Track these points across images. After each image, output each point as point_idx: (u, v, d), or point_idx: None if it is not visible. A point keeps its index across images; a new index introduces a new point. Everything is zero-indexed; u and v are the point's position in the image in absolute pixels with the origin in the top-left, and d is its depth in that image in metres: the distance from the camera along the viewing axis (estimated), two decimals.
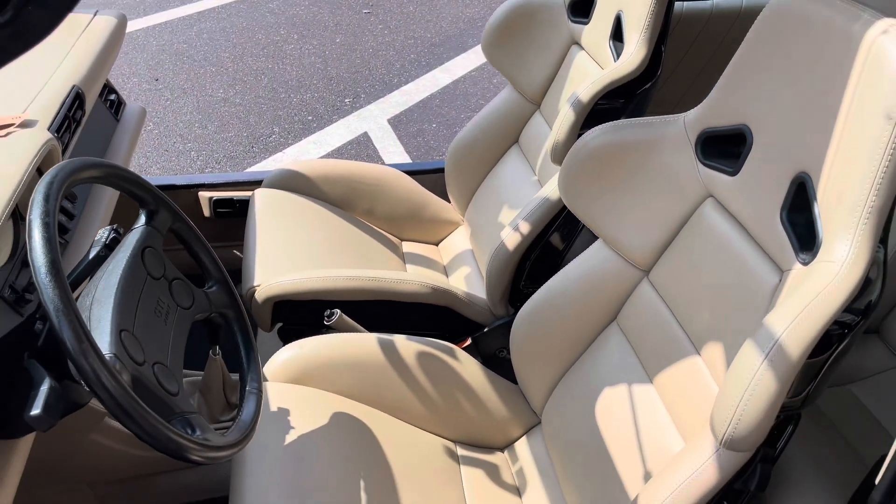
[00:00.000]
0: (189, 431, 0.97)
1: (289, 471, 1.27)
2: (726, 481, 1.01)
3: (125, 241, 1.11)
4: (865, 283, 0.91)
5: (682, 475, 1.03)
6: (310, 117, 3.73)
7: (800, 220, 1.01)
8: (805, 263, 0.97)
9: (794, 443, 1.32)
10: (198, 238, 1.25)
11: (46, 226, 0.88)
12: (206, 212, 2.11)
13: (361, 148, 3.52)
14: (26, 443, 1.11)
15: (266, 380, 1.43)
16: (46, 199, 0.91)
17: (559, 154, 1.58)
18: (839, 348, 0.94)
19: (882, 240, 0.93)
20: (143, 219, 1.16)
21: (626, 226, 1.31)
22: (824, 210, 0.96)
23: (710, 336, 1.15)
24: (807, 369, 0.94)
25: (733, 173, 1.14)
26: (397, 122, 3.73)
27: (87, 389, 0.92)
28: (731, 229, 1.15)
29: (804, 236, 0.99)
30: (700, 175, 1.20)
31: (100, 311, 0.97)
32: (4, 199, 1.10)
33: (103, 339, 0.93)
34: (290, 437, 1.33)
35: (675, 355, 1.21)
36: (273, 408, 1.36)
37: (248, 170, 3.29)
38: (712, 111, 1.19)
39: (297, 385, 1.44)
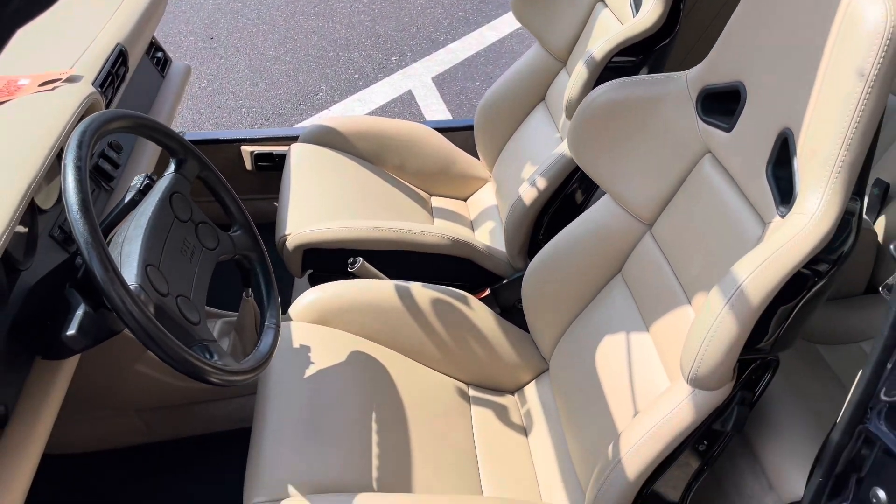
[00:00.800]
0: (207, 356, 1.04)
1: (307, 403, 1.33)
2: (701, 421, 1.04)
3: (156, 186, 1.18)
4: (838, 234, 0.92)
5: (661, 414, 1.07)
6: (356, 75, 3.75)
7: (782, 175, 1.02)
8: (783, 216, 0.98)
9: (787, 391, 1.35)
10: (224, 186, 1.31)
11: (78, 169, 0.95)
12: (248, 165, 2.17)
13: (405, 106, 3.53)
14: (70, 365, 1.19)
15: (291, 319, 1.49)
16: (80, 145, 0.98)
17: (572, 110, 1.58)
18: (808, 295, 0.95)
19: (857, 193, 0.94)
20: (172, 167, 1.22)
21: (630, 180, 1.32)
22: (802, 165, 0.97)
23: (699, 286, 1.17)
24: (778, 315, 0.97)
25: (728, 129, 1.15)
26: (441, 81, 3.73)
27: (115, 315, 0.98)
28: (725, 184, 1.16)
29: (784, 190, 1.01)
30: (700, 131, 1.21)
31: (129, 247, 1.03)
32: (49, 147, 1.16)
33: (130, 271, 0.99)
34: (310, 373, 1.39)
35: (669, 304, 1.24)
36: (296, 345, 1.42)
37: (295, 126, 3.33)
38: (711, 68, 1.19)
39: (319, 325, 1.49)
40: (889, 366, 0.90)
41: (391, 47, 4.04)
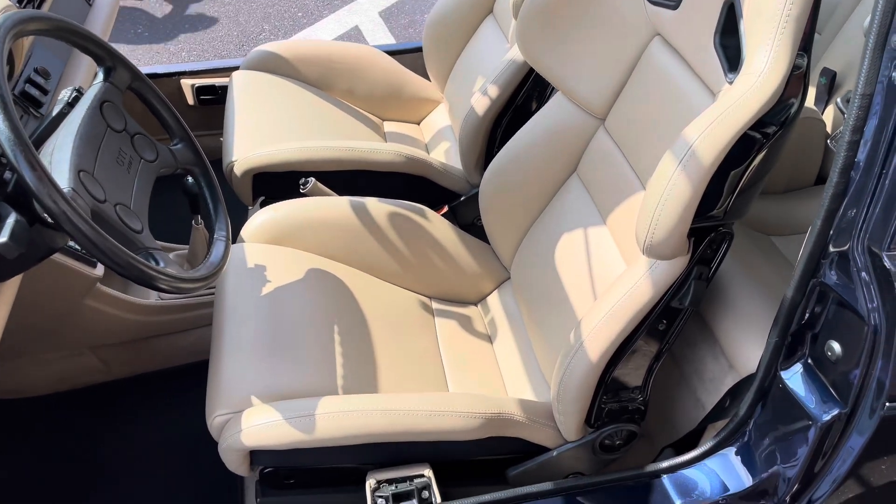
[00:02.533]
0: (153, 263, 1.01)
1: (264, 319, 1.32)
2: (659, 297, 1.06)
3: (84, 96, 1.14)
4: (785, 96, 0.92)
5: (620, 293, 1.08)
6: (300, 13, 3.67)
7: (730, 43, 1.02)
8: (731, 83, 0.98)
9: (744, 277, 1.38)
10: (158, 96, 1.26)
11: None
12: (190, 100, 2.13)
13: (353, 40, 3.46)
14: (9, 292, 1.13)
15: (241, 239, 1.48)
16: None
17: (518, 8, 1.54)
18: (757, 157, 0.96)
19: (804, 49, 0.93)
20: (100, 76, 1.17)
21: (580, 72, 1.31)
22: (748, 27, 0.97)
23: (650, 165, 1.15)
24: (729, 180, 0.97)
25: (675, 6, 1.13)
26: (388, 15, 3.66)
27: (49, 222, 0.96)
28: (675, 64, 1.16)
29: (732, 58, 1.01)
30: (647, 13, 1.20)
31: (59, 154, 1.00)
32: None
33: (62, 176, 0.96)
34: (266, 291, 1.38)
35: (624, 194, 1.25)
36: (250, 265, 1.40)
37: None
38: None
39: (273, 245, 1.48)
40: (834, 220, 0.93)
41: None
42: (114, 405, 1.68)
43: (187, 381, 1.69)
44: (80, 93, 1.17)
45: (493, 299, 1.58)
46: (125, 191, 1.09)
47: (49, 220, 0.94)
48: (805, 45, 0.93)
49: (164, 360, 1.72)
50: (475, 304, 1.61)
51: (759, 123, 0.93)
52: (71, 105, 1.15)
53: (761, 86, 0.91)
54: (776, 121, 0.94)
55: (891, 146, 0.84)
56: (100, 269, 1.53)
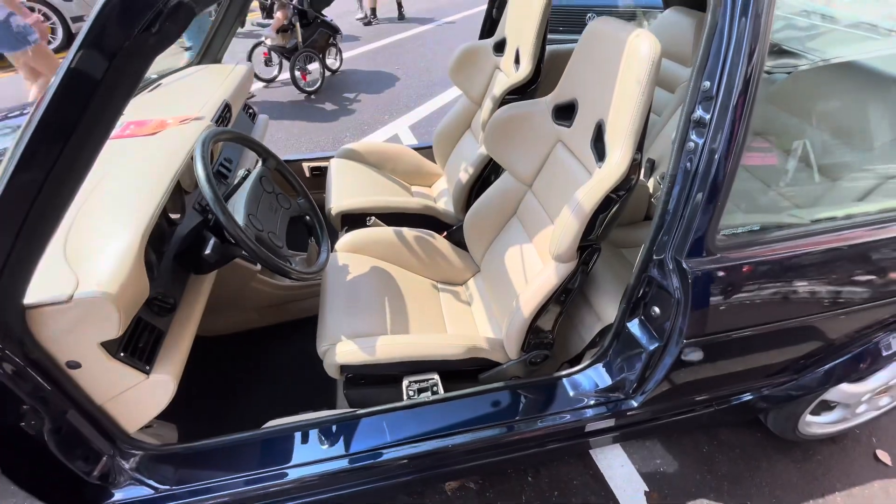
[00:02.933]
0: (289, 264, 1.01)
1: (347, 291, 1.30)
2: (561, 282, 1.03)
3: (251, 174, 1.12)
4: (629, 174, 0.90)
5: (540, 280, 1.06)
6: (366, 126, 3.60)
7: (599, 146, 1.00)
8: (600, 167, 0.96)
9: (606, 270, 1.34)
10: (291, 174, 1.25)
11: (203, 159, 0.90)
12: (307, 174, 2.07)
13: (394, 141, 3.39)
14: (210, 278, 1.14)
15: (335, 250, 1.44)
16: (203, 144, 0.92)
17: (485, 125, 1.55)
18: (614, 208, 0.94)
19: (639, 148, 0.90)
20: (259, 163, 1.16)
21: (518, 162, 1.28)
22: (609, 136, 0.95)
23: (555, 212, 1.14)
24: (599, 220, 0.94)
25: (569, 126, 1.12)
26: (414, 127, 3.58)
27: (233, 243, 0.96)
28: (569, 157, 1.13)
29: (601, 153, 0.99)
30: (554, 130, 1.18)
31: (239, 206, 1.00)
32: (187, 152, 1.10)
33: (239, 217, 0.96)
34: (349, 276, 1.36)
35: (541, 225, 1.22)
36: (340, 264, 1.38)
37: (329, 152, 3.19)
38: (559, 93, 1.15)
39: (352, 253, 1.45)
40: (657, 238, 0.90)
41: (384, 111, 3.88)
42: (264, 341, 1.64)
43: (306, 327, 1.63)
44: (248, 172, 1.15)
45: (471, 282, 1.54)
46: (274, 225, 1.07)
47: (232, 241, 0.93)
48: (639, 146, 0.91)
49: (292, 314, 1.68)
50: (461, 284, 1.56)
51: (615, 190, 0.91)
52: (244, 179, 1.14)
53: (616, 170, 0.89)
54: (624, 188, 0.92)
55: (687, 202, 0.83)
56: (258, 266, 1.51)
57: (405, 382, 1.11)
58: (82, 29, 0.55)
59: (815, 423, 1.37)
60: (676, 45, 1.61)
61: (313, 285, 1.65)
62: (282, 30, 3.93)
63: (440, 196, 1.97)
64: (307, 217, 1.26)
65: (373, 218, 1.59)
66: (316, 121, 3.70)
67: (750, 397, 1.18)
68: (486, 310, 1.41)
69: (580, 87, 1.07)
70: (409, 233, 1.52)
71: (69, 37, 5.98)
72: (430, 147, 2.08)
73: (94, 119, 0.58)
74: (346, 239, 1.46)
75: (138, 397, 0.84)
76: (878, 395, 1.31)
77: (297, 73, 3.95)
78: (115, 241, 0.81)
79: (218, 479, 0.90)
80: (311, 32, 4.01)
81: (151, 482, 0.88)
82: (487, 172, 1.65)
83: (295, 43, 3.94)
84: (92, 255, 0.78)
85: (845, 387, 1.22)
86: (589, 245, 1.00)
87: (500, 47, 1.69)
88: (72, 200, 0.62)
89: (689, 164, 0.78)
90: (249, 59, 4.03)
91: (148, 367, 0.85)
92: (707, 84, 0.74)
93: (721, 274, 0.86)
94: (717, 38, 0.72)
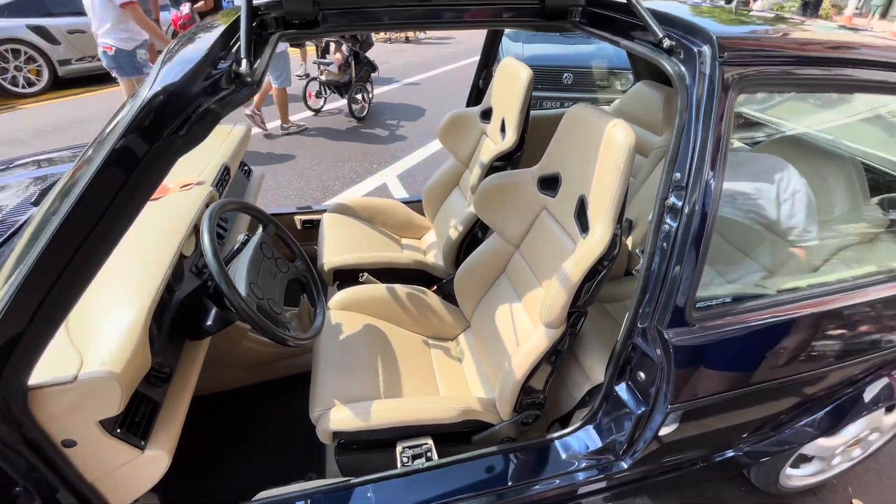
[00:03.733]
0: (286, 330, 1.02)
1: (340, 353, 1.29)
2: (551, 345, 1.06)
3: (251, 241, 1.14)
4: (611, 247, 0.96)
5: (531, 343, 1.08)
6: (353, 175, 3.67)
7: (582, 219, 1.06)
8: (584, 238, 1.02)
9: (592, 327, 1.39)
10: (291, 239, 1.28)
11: (210, 233, 0.93)
12: (298, 226, 2.07)
13: (383, 191, 3.47)
14: (205, 343, 1.14)
15: (329, 308, 1.44)
16: (210, 218, 0.95)
17: (475, 189, 1.61)
18: (598, 279, 0.99)
19: (619, 222, 0.97)
20: (260, 229, 1.18)
21: (506, 224, 1.33)
22: (591, 211, 1.01)
23: (544, 276, 1.19)
24: (585, 287, 0.99)
25: (554, 196, 1.18)
26: (402, 177, 3.67)
27: (234, 313, 0.97)
28: (554, 224, 1.19)
29: (584, 225, 1.04)
30: (539, 198, 1.24)
31: (240, 274, 1.01)
32: (190, 221, 1.13)
33: (241, 286, 0.97)
34: (343, 335, 1.36)
35: (530, 286, 1.25)
36: (334, 322, 1.38)
37: (321, 204, 3.24)
38: (543, 166, 1.22)
39: (345, 311, 1.45)
40: (639, 309, 0.95)
41: (372, 161, 3.96)
42: (251, 401, 1.59)
43: (294, 386, 1.60)
44: (248, 237, 1.17)
45: (461, 338, 1.55)
46: (272, 291, 1.08)
47: (234, 311, 0.94)
48: (619, 220, 0.98)
49: (280, 372, 1.64)
50: (451, 339, 1.57)
51: (599, 260, 0.96)
52: (244, 244, 1.16)
53: (600, 243, 0.95)
54: (607, 258, 0.97)
55: (665, 277, 0.89)
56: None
57: (399, 448, 1.10)
58: (117, 128, 0.60)
59: (795, 476, 1.41)
60: (648, 114, 1.76)
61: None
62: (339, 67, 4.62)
63: (429, 248, 2.01)
64: (303, 277, 1.27)
65: (365, 274, 1.60)
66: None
67: (733, 454, 1.22)
68: (477, 368, 1.42)
69: (563, 163, 1.15)
70: (401, 289, 1.54)
71: (55, 79, 6.04)
72: (419, 201, 2.14)
73: (118, 211, 0.62)
74: (339, 297, 1.47)
75: (131, 473, 0.82)
76: (850, 447, 1.37)
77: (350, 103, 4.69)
78: (119, 316, 0.82)
79: None
80: (360, 70, 4.71)
81: None
82: (475, 230, 1.70)
83: (349, 78, 4.63)
84: (95, 331, 0.78)
85: (821, 440, 1.27)
86: (576, 310, 1.04)
87: (486, 115, 1.79)
88: (88, 285, 0.64)
89: (665, 245, 0.86)
90: (305, 93, 4.74)
91: (143, 443, 0.83)
92: (678, 175, 0.83)
93: (700, 343, 0.91)
94: (684, 137, 0.82)
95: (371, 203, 2.07)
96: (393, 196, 3.38)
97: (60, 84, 5.97)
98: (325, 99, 4.94)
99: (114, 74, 3.28)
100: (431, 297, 1.57)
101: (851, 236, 1.24)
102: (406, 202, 2.18)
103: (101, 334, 0.79)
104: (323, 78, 4.68)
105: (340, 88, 4.70)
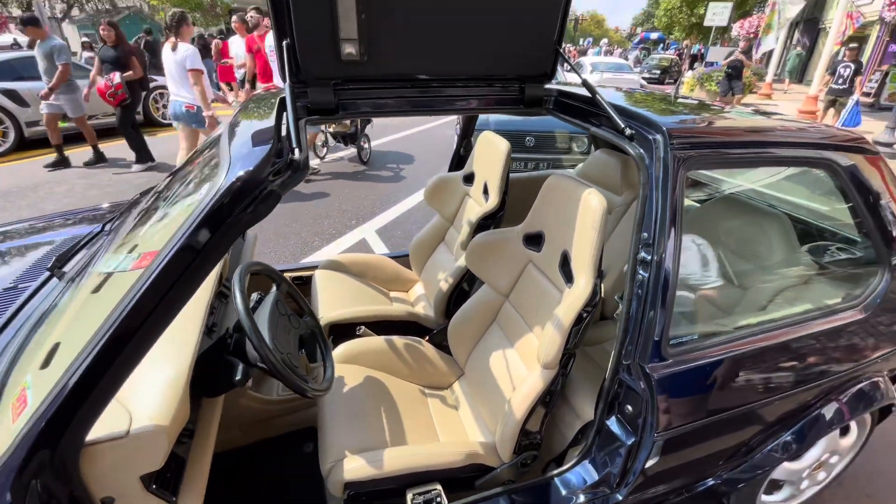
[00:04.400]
0: (305, 382, 1.07)
1: (346, 406, 1.34)
2: (546, 386, 1.15)
3: (267, 299, 1.20)
4: (591, 296, 1.09)
5: (527, 385, 1.17)
6: (333, 231, 3.75)
7: (566, 270, 1.19)
8: (570, 288, 1.14)
9: (577, 370, 1.51)
10: (300, 297, 1.35)
11: (242, 294, 1.00)
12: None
13: (363, 246, 3.54)
14: (220, 400, 1.17)
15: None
16: (239, 281, 1.03)
17: (464, 246, 1.74)
18: (585, 323, 1.10)
19: (598, 276, 1.11)
20: (274, 288, 1.25)
21: (497, 277, 1.45)
22: (574, 265, 1.15)
23: (534, 323, 1.30)
24: (573, 332, 1.10)
25: (539, 251, 1.32)
26: (381, 232, 3.77)
27: (261, 367, 1.00)
28: (540, 275, 1.32)
29: (568, 277, 1.17)
30: (526, 253, 1.37)
31: (263, 331, 1.05)
32: (213, 280, 1.21)
33: (268, 342, 1.03)
34: (345, 388, 1.40)
35: (520, 333, 1.35)
36: (336, 375, 1.40)
37: (304, 260, 3.26)
38: (528, 224, 1.36)
39: (346, 364, 1.50)
40: (623, 349, 1.08)
41: (350, 217, 4.06)
42: (246, 462, 1.55)
43: (289, 445, 1.60)
44: (262, 296, 1.23)
45: (456, 386, 1.60)
46: (290, 347, 1.14)
47: (263, 367, 0.99)
48: (598, 274, 1.11)
49: (276, 430, 1.62)
50: (447, 388, 1.62)
51: (584, 307, 1.07)
52: (259, 303, 1.21)
53: (584, 292, 1.08)
54: (591, 305, 1.08)
55: (642, 319, 1.04)
56: (249, 382, 1.51)
57: (409, 496, 1.13)
58: (198, 209, 0.70)
59: (770, 503, 1.52)
60: (608, 177, 2.01)
61: (299, 401, 1.64)
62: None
63: (418, 300, 2.09)
64: (312, 331, 1.33)
65: (363, 327, 1.68)
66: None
67: (713, 482, 1.32)
68: (474, 414, 1.47)
69: (546, 223, 1.31)
70: (398, 341, 1.60)
71: (21, 140, 5.97)
72: (405, 255, 2.25)
73: (187, 283, 0.71)
74: (340, 351, 1.52)
75: None
76: (815, 471, 1.52)
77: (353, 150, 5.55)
78: (159, 374, 0.87)
79: None
80: (363, 122, 5.48)
81: None
82: (463, 282, 1.82)
83: (354, 130, 5.31)
84: (137, 390, 0.83)
85: (788, 464, 1.41)
86: (568, 352, 1.15)
87: (468, 179, 1.98)
88: (151, 348, 0.71)
89: (640, 291, 1.02)
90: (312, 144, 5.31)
91: (174, 499, 0.85)
92: (645, 234, 1.01)
93: (675, 373, 1.05)
94: (648, 204, 1.01)
95: (360, 259, 2.17)
96: (371, 250, 3.49)
97: (26, 145, 5.90)
98: (328, 148, 5.69)
99: (183, 127, 4.05)
100: (427, 348, 1.63)
101: (790, 279, 1.46)
102: (394, 257, 2.28)
103: (144, 392, 0.84)
104: (331, 130, 5.32)
105: (346, 138, 5.36)
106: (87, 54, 9.72)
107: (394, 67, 1.04)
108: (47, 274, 1.24)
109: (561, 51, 1.13)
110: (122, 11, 18.92)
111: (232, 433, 1.56)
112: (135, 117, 5.14)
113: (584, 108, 1.21)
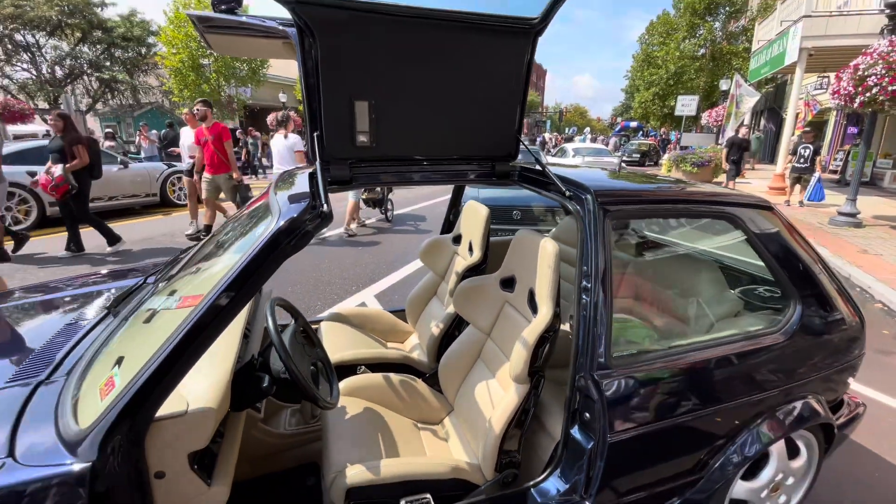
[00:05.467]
0: (318, 393, 1.26)
1: (348, 429, 1.50)
2: (520, 402, 1.33)
3: (287, 329, 1.42)
4: (552, 320, 1.33)
5: (504, 402, 1.36)
6: (335, 296, 4.00)
7: (532, 304, 1.43)
8: (535, 316, 1.37)
9: (549, 396, 1.71)
10: (312, 331, 1.57)
11: (273, 319, 1.25)
12: None
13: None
14: (244, 414, 1.34)
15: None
16: (270, 309, 1.29)
17: (452, 293, 2.01)
18: (549, 344, 1.33)
19: (557, 305, 1.36)
20: (293, 322, 1.48)
21: (479, 317, 1.68)
22: (538, 297, 1.40)
23: (509, 351, 1.48)
24: (539, 352, 1.32)
25: (512, 292, 1.56)
26: (380, 296, 4.02)
27: (285, 378, 1.20)
28: (515, 312, 1.55)
29: (534, 308, 1.41)
30: (502, 295, 1.63)
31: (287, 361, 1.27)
32: (242, 322, 1.46)
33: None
34: (347, 417, 1.57)
35: (500, 364, 1.55)
36: (339, 405, 1.61)
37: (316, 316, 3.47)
38: (503, 271, 1.63)
39: (348, 396, 1.68)
40: (576, 361, 1.30)
41: (352, 283, 4.34)
42: (253, 493, 1.64)
43: (294, 477, 1.70)
44: (282, 328, 1.48)
45: (446, 421, 1.75)
46: (305, 368, 1.34)
47: (287, 378, 1.19)
48: (557, 304, 1.37)
49: (281, 465, 1.73)
50: (438, 423, 1.76)
51: (546, 331, 1.31)
52: (279, 333, 1.46)
53: (545, 318, 1.32)
54: (552, 329, 1.32)
55: (588, 336, 1.29)
56: (261, 414, 1.69)
57: (402, 503, 1.28)
58: (259, 239, 1.01)
59: None
60: (573, 236, 2.36)
61: (304, 435, 1.79)
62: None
63: (412, 350, 2.28)
64: (318, 362, 1.54)
65: (363, 367, 1.89)
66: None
67: (679, 502, 1.47)
68: (463, 445, 1.59)
69: (516, 268, 1.60)
70: (394, 377, 1.80)
71: (42, 218, 6.45)
72: (402, 310, 2.49)
73: (251, 286, 1.00)
74: (342, 385, 1.72)
75: None
76: (774, 493, 1.66)
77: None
78: (210, 372, 1.11)
79: None
80: (386, 190, 7.18)
81: None
82: (453, 328, 2.06)
83: (381, 196, 7.08)
84: (194, 383, 1.08)
85: (743, 484, 1.57)
86: (536, 371, 1.37)
87: (457, 240, 2.32)
88: (213, 343, 0.98)
89: (584, 313, 1.29)
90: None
91: (210, 480, 1.05)
92: (585, 267, 1.32)
93: (619, 381, 1.28)
94: (585, 244, 1.33)
95: (361, 312, 2.42)
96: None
97: (47, 222, 6.36)
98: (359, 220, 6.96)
99: None
100: (420, 385, 1.82)
101: (722, 312, 1.73)
102: (392, 311, 2.53)
103: (197, 386, 1.08)
104: (364, 196, 6.93)
105: (376, 203, 7.16)
106: (108, 143, 10.74)
107: (395, 151, 1.41)
108: (105, 312, 1.51)
109: (520, 137, 1.53)
110: (145, 107, 20.83)
111: (242, 467, 1.67)
112: (87, 205, 4.81)
113: (540, 179, 1.58)
